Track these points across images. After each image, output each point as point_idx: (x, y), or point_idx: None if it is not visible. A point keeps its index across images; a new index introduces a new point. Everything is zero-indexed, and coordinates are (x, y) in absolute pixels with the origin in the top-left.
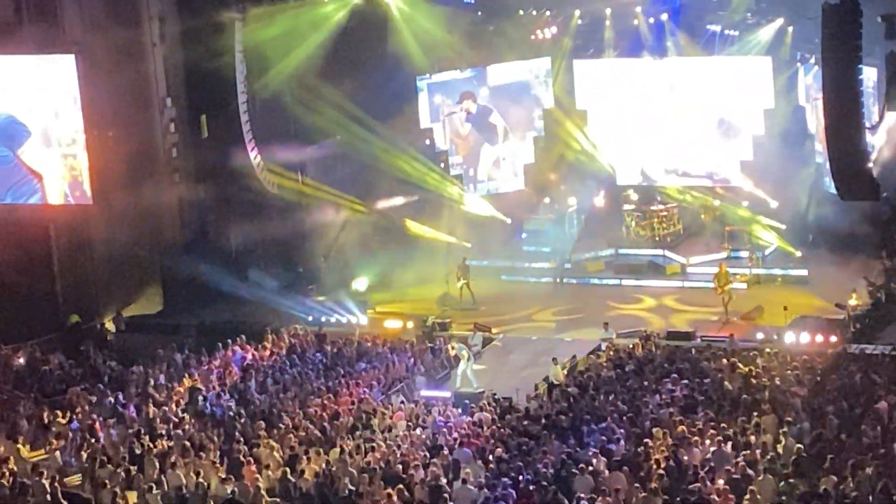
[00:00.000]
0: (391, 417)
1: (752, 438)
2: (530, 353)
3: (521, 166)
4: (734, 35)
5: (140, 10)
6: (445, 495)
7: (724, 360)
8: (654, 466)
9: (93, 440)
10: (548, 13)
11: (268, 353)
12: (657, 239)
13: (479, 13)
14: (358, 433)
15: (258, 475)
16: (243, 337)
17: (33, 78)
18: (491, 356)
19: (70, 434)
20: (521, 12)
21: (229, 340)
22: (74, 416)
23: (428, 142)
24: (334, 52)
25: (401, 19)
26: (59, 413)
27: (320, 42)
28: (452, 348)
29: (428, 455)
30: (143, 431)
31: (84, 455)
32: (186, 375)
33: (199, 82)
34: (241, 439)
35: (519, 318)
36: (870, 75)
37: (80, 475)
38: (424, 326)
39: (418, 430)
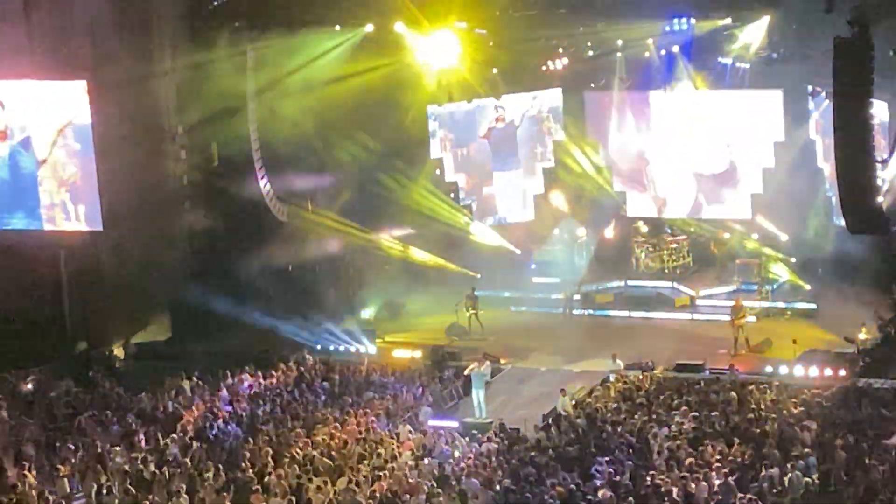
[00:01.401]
0: (398, 447)
1: (760, 472)
2: (539, 383)
3: (532, 197)
4: (745, 68)
5: (152, 37)
6: None
7: (733, 393)
8: (663, 499)
9: (99, 467)
10: (559, 44)
11: (275, 381)
12: (666, 271)
13: (491, 44)
14: (365, 462)
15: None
16: (251, 365)
17: (45, 103)
18: (499, 386)
19: (77, 460)
20: (533, 43)
21: (237, 368)
22: (81, 444)
23: (438, 171)
24: (345, 79)
25: (411, 49)
26: (66, 439)
27: (330, 70)
28: (478, 367)
29: (435, 485)
30: (149, 458)
31: (91, 482)
32: (194, 403)
33: (211, 110)
34: (248, 467)
35: (528, 348)
36: (881, 109)
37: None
38: (434, 356)
39: (426, 460)
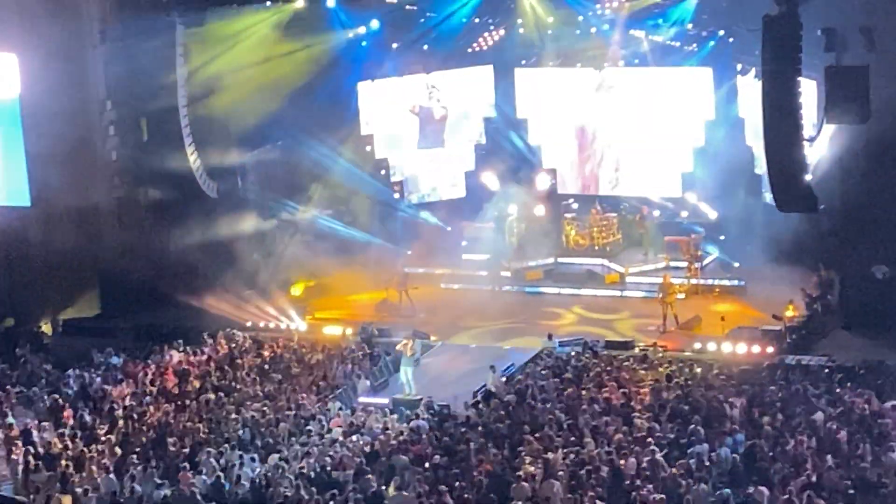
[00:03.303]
0: (328, 423)
1: (688, 448)
2: (469, 360)
3: (462, 174)
4: (675, 46)
5: (80, 11)
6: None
7: (661, 370)
8: (591, 475)
9: (27, 444)
10: (490, 21)
11: (205, 357)
12: (596, 248)
13: (422, 21)
14: (294, 439)
15: (194, 480)
16: (180, 341)
17: None
18: (430, 363)
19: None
20: (465, 20)
21: (166, 345)
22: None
23: (368, 148)
24: (275, 56)
25: (341, 26)
26: None
27: (260, 46)
28: (408, 345)
29: (364, 461)
30: (78, 435)
31: (18, 458)
32: (123, 380)
33: (140, 85)
34: (178, 443)
35: (458, 325)
36: (809, 88)
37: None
38: (363, 333)
39: (355, 437)
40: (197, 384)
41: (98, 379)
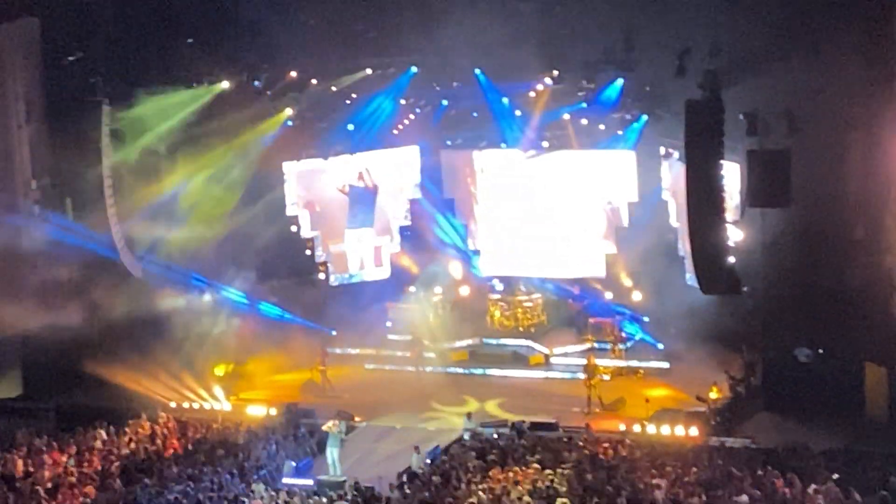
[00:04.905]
0: None
1: None
2: (394, 441)
3: (388, 254)
4: (599, 129)
5: (6, 89)
6: None
7: (586, 451)
8: None
9: None
10: (415, 103)
11: (127, 439)
12: (521, 329)
13: (347, 102)
14: None
15: None
16: (104, 422)
17: None
18: (354, 444)
19: None
20: (390, 102)
21: (90, 425)
22: None
23: (294, 228)
24: (202, 133)
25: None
26: None
27: (187, 126)
28: (334, 425)
29: None
30: None
31: None
32: (45, 462)
33: (66, 163)
34: None
35: (383, 406)
36: (732, 171)
37: None
38: (288, 413)
39: None
40: (120, 466)
41: (20, 461)
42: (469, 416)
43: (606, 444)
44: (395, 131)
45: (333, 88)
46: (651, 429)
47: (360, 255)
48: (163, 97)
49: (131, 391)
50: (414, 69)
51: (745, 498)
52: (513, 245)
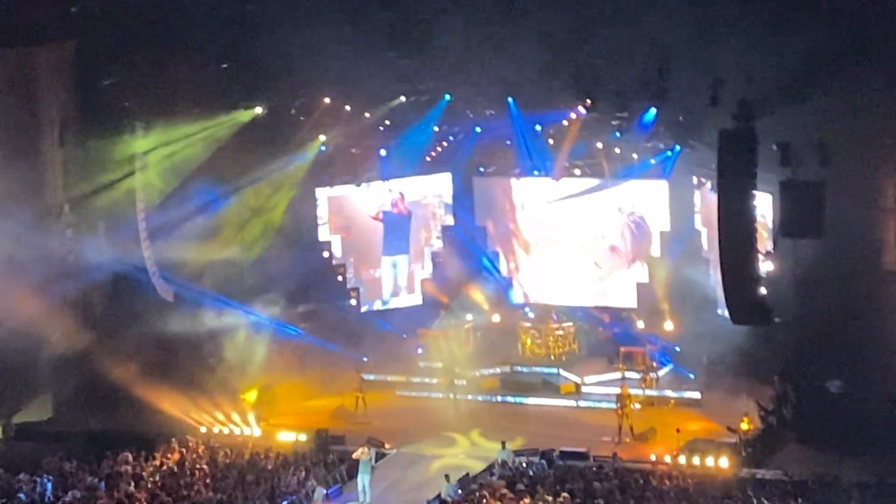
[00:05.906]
0: None
1: None
2: (424, 468)
3: (419, 281)
4: (632, 158)
5: (39, 112)
6: None
7: (616, 482)
8: None
9: None
10: (448, 130)
11: (158, 462)
12: (552, 357)
13: (381, 128)
14: None
15: None
16: (133, 446)
17: None
18: (385, 471)
19: None
20: (424, 128)
21: (119, 449)
22: None
23: (326, 254)
24: (235, 158)
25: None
26: None
27: (220, 146)
28: (364, 453)
29: None
30: None
31: None
32: (74, 485)
33: (99, 186)
34: None
35: (413, 433)
36: (765, 201)
37: None
38: (318, 439)
39: None
40: (149, 491)
41: (49, 485)
42: (504, 444)
43: (637, 475)
44: (429, 158)
45: (367, 115)
46: (682, 459)
47: (395, 281)
48: (196, 121)
49: (161, 415)
50: (448, 97)
51: None
52: (544, 273)
